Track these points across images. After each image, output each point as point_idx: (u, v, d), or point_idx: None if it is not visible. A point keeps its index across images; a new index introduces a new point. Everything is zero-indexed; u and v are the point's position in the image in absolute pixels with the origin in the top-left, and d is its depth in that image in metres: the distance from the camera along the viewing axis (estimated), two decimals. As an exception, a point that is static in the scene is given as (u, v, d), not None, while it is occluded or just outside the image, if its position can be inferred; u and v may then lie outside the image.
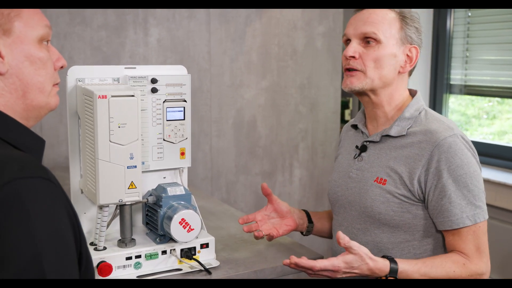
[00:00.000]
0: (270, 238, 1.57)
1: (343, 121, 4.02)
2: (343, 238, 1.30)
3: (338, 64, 3.27)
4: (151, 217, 1.47)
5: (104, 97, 1.28)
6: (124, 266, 1.38)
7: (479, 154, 1.47)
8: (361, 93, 1.50)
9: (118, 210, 1.45)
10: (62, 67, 1.12)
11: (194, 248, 1.45)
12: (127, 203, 1.38)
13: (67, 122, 1.46)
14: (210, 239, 1.48)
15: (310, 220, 1.67)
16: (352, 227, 1.52)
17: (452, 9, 3.43)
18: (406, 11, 1.48)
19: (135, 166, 1.33)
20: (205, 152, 2.96)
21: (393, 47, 1.46)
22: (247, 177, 3.08)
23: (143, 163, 1.48)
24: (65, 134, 1.50)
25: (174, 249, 1.43)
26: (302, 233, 1.68)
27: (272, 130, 3.12)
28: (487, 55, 3.33)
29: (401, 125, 1.47)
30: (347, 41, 1.51)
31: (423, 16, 3.36)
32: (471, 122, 3.62)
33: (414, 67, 1.52)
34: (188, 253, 1.44)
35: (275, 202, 1.61)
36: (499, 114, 3.52)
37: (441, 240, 1.45)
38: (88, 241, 1.44)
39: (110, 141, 1.30)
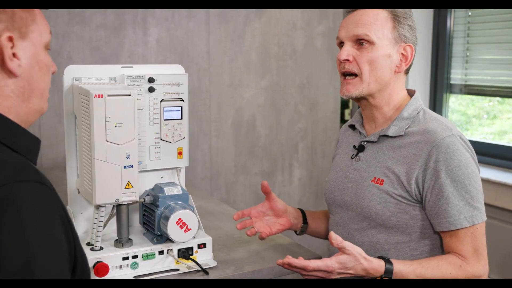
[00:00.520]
0: (262, 237, 1.56)
1: (343, 120, 4.01)
2: (335, 238, 1.30)
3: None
4: (148, 217, 1.47)
5: (100, 96, 1.27)
6: (120, 266, 1.37)
7: (480, 154, 1.46)
8: (359, 98, 1.49)
9: (115, 210, 1.45)
10: (53, 72, 1.12)
11: (192, 248, 1.45)
12: (123, 203, 1.38)
13: (64, 121, 1.46)
14: (208, 239, 1.48)
15: (305, 221, 1.66)
16: (348, 227, 1.51)
17: (452, 9, 3.42)
18: (399, 9, 1.47)
19: (132, 166, 1.33)
20: (204, 152, 2.95)
21: (386, 48, 1.44)
22: (247, 177, 3.07)
23: (140, 162, 1.48)
24: (64, 134, 1.50)
25: (171, 249, 1.42)
26: (296, 232, 1.67)
27: (272, 130, 3.12)
28: (488, 54, 3.32)
29: (399, 125, 1.46)
30: (341, 44, 1.50)
31: (423, 16, 3.35)
32: (471, 122, 3.61)
33: (410, 66, 1.50)
34: (185, 253, 1.43)
35: (272, 200, 1.61)
36: (499, 113, 3.51)
37: (438, 241, 1.43)
38: (85, 241, 1.44)
39: (107, 141, 1.29)
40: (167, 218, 1.37)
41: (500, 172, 3.14)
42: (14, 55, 0.98)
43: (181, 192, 1.45)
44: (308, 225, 1.66)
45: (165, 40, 2.77)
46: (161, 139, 1.50)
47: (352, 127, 1.61)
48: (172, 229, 1.37)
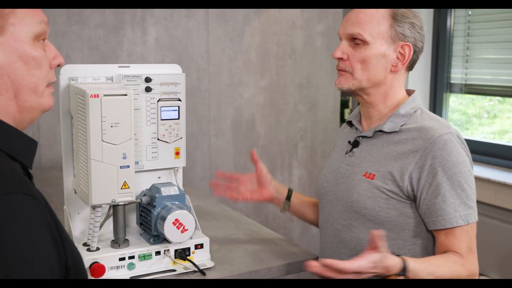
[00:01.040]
0: (236, 198, 1.66)
1: (343, 120, 4.00)
2: (378, 236, 1.23)
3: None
4: (145, 217, 1.46)
5: (96, 96, 1.27)
6: (117, 267, 1.37)
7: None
8: (353, 93, 1.49)
9: (111, 211, 1.44)
10: (59, 65, 1.07)
11: (189, 248, 1.44)
12: (120, 204, 1.37)
13: (60, 121, 1.45)
14: (205, 240, 1.47)
15: (288, 198, 1.69)
16: (337, 223, 1.51)
17: (452, 9, 3.41)
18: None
19: (128, 166, 1.32)
20: (203, 152, 2.95)
21: (381, 47, 1.43)
22: (246, 177, 3.06)
23: (137, 162, 1.47)
24: (62, 133, 1.52)
25: (168, 250, 1.42)
26: (280, 209, 1.71)
27: (271, 130, 3.11)
28: (488, 54, 3.32)
29: (395, 121, 1.45)
30: (341, 40, 1.50)
31: (423, 16, 3.34)
32: (471, 121, 3.60)
33: (414, 63, 1.49)
34: (182, 254, 1.43)
35: (259, 170, 1.68)
36: (499, 113, 3.50)
37: (427, 242, 1.42)
38: (81, 242, 1.43)
39: (103, 141, 1.29)
40: (163, 219, 1.36)
41: (500, 171, 3.14)
42: None
43: (178, 193, 1.44)
44: (291, 202, 1.70)
45: (164, 40, 2.77)
46: (158, 139, 1.49)
47: (350, 123, 1.61)
48: (168, 229, 1.36)
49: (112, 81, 1.46)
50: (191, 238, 1.42)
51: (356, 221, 1.45)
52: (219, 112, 2.96)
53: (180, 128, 1.51)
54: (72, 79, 1.42)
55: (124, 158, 1.31)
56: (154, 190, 1.44)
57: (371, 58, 1.43)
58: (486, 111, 3.55)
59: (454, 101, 3.60)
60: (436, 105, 3.54)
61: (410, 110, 1.46)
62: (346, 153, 1.54)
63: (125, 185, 1.32)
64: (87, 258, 1.33)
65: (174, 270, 1.42)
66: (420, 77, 3.48)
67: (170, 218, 1.36)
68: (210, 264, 1.45)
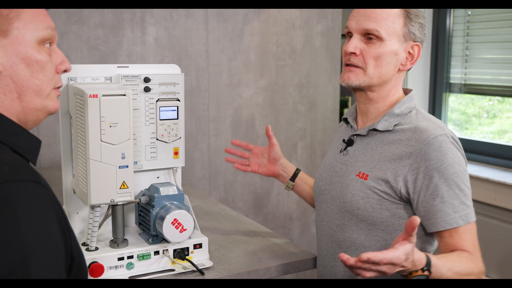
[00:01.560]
0: (244, 168, 1.78)
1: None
2: (414, 223, 1.15)
3: (337, 63, 3.26)
4: (144, 217, 1.46)
5: (95, 96, 1.27)
6: (116, 267, 1.37)
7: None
8: (357, 88, 1.48)
9: (110, 210, 1.44)
10: (65, 70, 1.09)
11: (187, 248, 1.44)
12: (119, 203, 1.37)
13: (59, 121, 1.45)
14: (204, 240, 1.47)
15: (293, 179, 1.77)
16: (331, 223, 1.51)
17: (452, 8, 3.41)
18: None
19: (127, 166, 1.32)
20: (202, 151, 2.95)
21: (395, 44, 1.42)
22: (245, 176, 3.07)
23: (136, 162, 1.47)
24: (61, 133, 1.53)
25: (167, 250, 1.42)
26: (284, 187, 1.80)
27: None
28: (487, 53, 3.32)
29: (389, 120, 1.44)
30: (349, 34, 1.47)
31: (423, 15, 3.34)
32: (471, 121, 3.60)
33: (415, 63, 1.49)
34: (181, 254, 1.43)
35: (271, 146, 1.77)
36: (499, 113, 3.50)
37: (423, 244, 1.41)
38: (80, 242, 1.43)
39: (102, 141, 1.29)
40: (162, 218, 1.37)
41: (499, 171, 3.14)
42: None
43: (176, 192, 1.44)
44: (295, 183, 1.77)
45: (164, 39, 2.77)
46: (157, 139, 1.50)
47: (345, 120, 1.60)
48: (167, 229, 1.36)
49: (111, 81, 1.46)
50: (190, 238, 1.43)
51: (349, 221, 1.45)
52: (219, 112, 2.96)
53: (179, 128, 1.51)
54: (71, 79, 1.42)
55: (123, 158, 1.31)
56: (153, 190, 1.44)
57: (385, 55, 1.42)
58: (486, 111, 3.55)
59: (454, 101, 3.60)
60: (435, 105, 3.54)
61: (405, 110, 1.45)
62: (341, 152, 1.54)
63: (124, 185, 1.33)
64: (86, 258, 1.33)
65: (173, 270, 1.42)
66: (419, 77, 3.49)
67: (169, 218, 1.36)
68: (209, 263, 1.46)
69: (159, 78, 1.48)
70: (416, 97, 1.51)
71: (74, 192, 1.48)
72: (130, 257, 1.39)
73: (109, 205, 1.44)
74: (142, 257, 1.40)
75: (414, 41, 1.45)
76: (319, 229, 1.57)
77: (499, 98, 3.41)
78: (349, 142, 1.52)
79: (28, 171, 0.92)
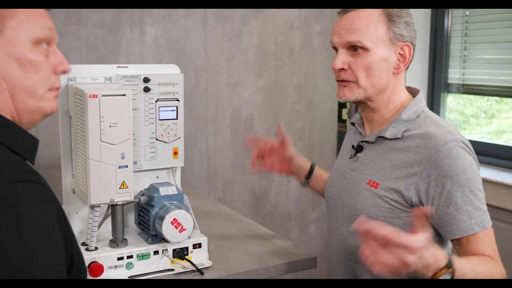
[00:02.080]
0: (258, 170, 1.77)
1: (341, 120, 4.00)
2: (424, 214, 1.10)
3: (336, 63, 3.25)
4: (143, 217, 1.46)
5: (95, 96, 1.27)
6: (115, 267, 1.37)
7: (477, 153, 1.41)
8: (358, 102, 1.45)
9: (109, 210, 1.45)
10: (64, 72, 1.08)
11: (187, 248, 1.45)
12: (118, 203, 1.38)
13: (59, 121, 1.45)
14: (203, 239, 1.47)
15: (309, 176, 1.76)
16: (342, 229, 1.49)
17: (450, 8, 3.42)
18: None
19: (127, 166, 1.32)
20: (201, 151, 2.95)
21: (382, 51, 1.38)
22: (244, 176, 3.07)
23: (135, 162, 1.48)
24: (60, 133, 1.53)
25: (166, 249, 1.42)
26: (300, 185, 1.79)
27: (269, 129, 3.11)
28: (485, 54, 3.32)
29: (397, 127, 1.41)
30: (335, 48, 1.45)
31: (421, 15, 3.35)
32: (469, 121, 3.61)
33: (410, 62, 1.44)
34: (181, 253, 1.43)
35: (283, 147, 1.73)
36: (497, 113, 3.51)
37: None
38: (80, 241, 1.43)
39: (101, 141, 1.29)
40: (162, 218, 1.37)
41: (497, 171, 3.14)
42: None
43: (176, 192, 1.45)
44: (310, 181, 1.76)
45: (162, 39, 2.77)
46: (156, 139, 1.50)
47: (354, 124, 1.57)
48: (167, 229, 1.37)
49: (111, 81, 1.46)
50: (189, 237, 1.43)
51: None
52: (217, 112, 2.96)
53: (178, 128, 1.52)
54: (70, 79, 1.42)
55: (123, 158, 1.31)
56: (152, 190, 1.45)
57: (374, 64, 1.38)
58: (484, 111, 3.55)
59: (452, 101, 3.61)
60: (433, 105, 3.54)
61: (413, 115, 1.41)
62: (351, 158, 1.51)
63: (123, 185, 1.33)
64: (86, 258, 1.33)
65: (172, 270, 1.42)
66: (417, 77, 3.49)
67: (168, 218, 1.36)
68: (208, 263, 1.46)
69: (159, 78, 1.48)
70: (423, 99, 1.47)
71: (74, 192, 1.48)
72: (130, 257, 1.39)
73: (108, 205, 1.44)
74: (142, 257, 1.40)
75: (403, 42, 1.41)
76: (331, 233, 1.55)
77: (497, 98, 3.42)
78: (358, 149, 1.49)
79: (28, 171, 0.92)
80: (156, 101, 1.48)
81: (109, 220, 1.46)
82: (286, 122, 3.16)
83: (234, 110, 3.01)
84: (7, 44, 0.97)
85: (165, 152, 1.51)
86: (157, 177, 1.56)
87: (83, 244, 1.42)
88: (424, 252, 1.08)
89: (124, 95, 1.30)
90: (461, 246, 1.33)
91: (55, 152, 2.60)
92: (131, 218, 1.56)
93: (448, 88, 3.54)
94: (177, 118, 1.51)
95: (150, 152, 1.50)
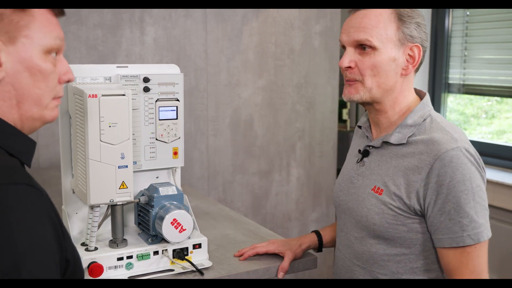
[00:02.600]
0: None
1: (341, 120, 4.00)
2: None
3: (336, 63, 3.25)
4: (143, 217, 1.46)
5: (95, 96, 1.27)
6: (115, 267, 1.37)
7: (478, 153, 1.39)
8: (362, 103, 1.43)
9: (109, 211, 1.44)
10: (68, 81, 1.08)
11: (187, 248, 1.44)
12: (118, 203, 1.37)
13: (58, 121, 1.45)
14: (203, 240, 1.47)
15: (320, 249, 1.65)
16: (350, 234, 1.47)
17: (451, 9, 3.41)
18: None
19: (126, 166, 1.32)
20: (201, 151, 2.95)
21: (391, 51, 1.36)
22: (244, 177, 3.07)
23: (135, 162, 1.47)
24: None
25: (166, 250, 1.42)
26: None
27: (269, 129, 3.11)
28: (486, 54, 3.32)
29: (402, 132, 1.38)
30: (343, 47, 1.42)
31: (421, 15, 3.34)
32: (469, 121, 3.61)
33: (420, 64, 1.42)
34: (180, 254, 1.43)
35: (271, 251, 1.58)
36: (498, 113, 3.50)
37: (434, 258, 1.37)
38: (80, 242, 1.43)
39: (101, 141, 1.29)
40: (162, 219, 1.36)
41: (498, 171, 3.14)
42: None
43: (176, 192, 1.44)
44: (324, 246, 1.65)
45: (162, 39, 2.77)
46: (156, 139, 1.50)
47: (361, 127, 1.55)
48: (167, 229, 1.36)
49: (110, 81, 1.46)
50: (189, 238, 1.43)
51: (367, 235, 1.41)
52: (217, 112, 2.96)
53: (178, 128, 1.51)
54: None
55: (122, 158, 1.31)
56: (152, 190, 1.44)
57: (381, 63, 1.36)
58: (484, 111, 3.55)
59: (452, 101, 3.60)
60: (434, 105, 3.54)
61: (419, 119, 1.38)
62: (357, 162, 1.49)
63: (123, 185, 1.32)
64: (85, 258, 1.33)
65: (172, 270, 1.42)
66: (418, 78, 3.49)
67: (168, 218, 1.36)
68: (208, 264, 1.45)
69: (159, 78, 1.47)
70: (430, 102, 1.44)
71: (73, 192, 1.48)
72: (130, 257, 1.38)
73: (108, 205, 1.44)
74: (142, 257, 1.39)
75: (413, 43, 1.38)
76: (339, 238, 1.54)
77: (498, 98, 3.42)
78: (365, 153, 1.47)
79: (21, 174, 0.92)
80: (156, 101, 1.48)
81: (108, 220, 1.46)
82: (286, 122, 3.16)
83: (234, 110, 3.00)
84: (21, 52, 0.98)
85: (165, 152, 1.51)
86: (157, 177, 1.55)
87: (83, 244, 1.41)
88: None
89: (123, 95, 1.30)
90: (449, 258, 1.31)
91: (54, 152, 2.60)
92: (131, 218, 1.56)
93: (448, 88, 3.54)
94: (177, 118, 1.51)
95: (150, 152, 1.50)
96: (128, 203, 1.42)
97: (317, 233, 1.65)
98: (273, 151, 3.15)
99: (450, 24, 3.43)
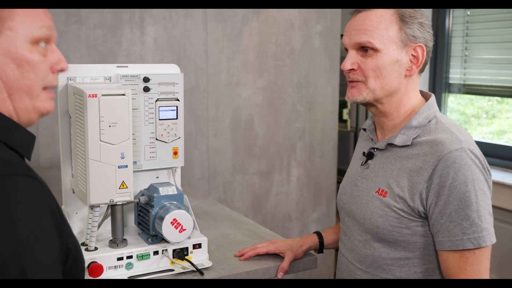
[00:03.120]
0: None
1: (341, 120, 4.00)
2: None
3: (336, 63, 3.25)
4: (143, 217, 1.46)
5: (95, 96, 1.27)
6: (115, 267, 1.37)
7: (484, 156, 1.37)
8: (366, 104, 1.42)
9: (109, 210, 1.44)
10: (62, 70, 1.08)
11: (187, 248, 1.44)
12: (118, 203, 1.37)
13: (58, 121, 1.45)
14: (203, 240, 1.47)
15: (321, 250, 1.65)
16: (353, 238, 1.46)
17: (451, 9, 3.41)
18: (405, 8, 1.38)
19: (126, 166, 1.32)
20: (201, 152, 2.95)
21: (393, 52, 1.35)
22: (244, 177, 3.07)
23: (135, 162, 1.47)
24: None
25: (166, 250, 1.42)
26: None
27: (269, 130, 3.11)
28: (486, 54, 3.32)
29: (407, 133, 1.37)
30: (346, 50, 1.41)
31: (422, 15, 3.34)
32: (470, 121, 3.61)
33: (426, 64, 1.40)
34: (180, 254, 1.43)
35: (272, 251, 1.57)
36: (498, 113, 3.50)
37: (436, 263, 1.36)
38: (80, 242, 1.43)
39: (101, 141, 1.28)
40: (162, 219, 1.36)
41: (498, 171, 3.14)
42: None
43: (176, 192, 1.44)
44: (325, 247, 1.65)
45: (163, 39, 2.76)
46: (156, 139, 1.49)
47: (365, 130, 1.54)
48: (167, 229, 1.36)
49: (110, 81, 1.46)
50: (189, 238, 1.42)
51: (371, 238, 1.40)
52: (218, 112, 2.96)
53: (178, 128, 1.51)
54: (70, 79, 1.42)
55: (122, 158, 1.31)
56: (152, 190, 1.44)
57: (384, 65, 1.35)
58: (485, 111, 3.55)
59: (453, 101, 3.60)
60: (434, 105, 3.54)
61: (424, 121, 1.37)
62: (362, 165, 1.48)
63: (123, 185, 1.32)
64: (85, 258, 1.31)
65: (172, 270, 1.42)
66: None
67: (168, 218, 1.36)
68: (208, 264, 1.45)
69: (159, 78, 1.47)
70: (435, 103, 1.43)
71: (73, 192, 1.48)
72: (130, 257, 1.38)
73: (108, 205, 1.44)
74: (142, 257, 1.39)
75: (416, 43, 1.37)
76: (342, 241, 1.53)
77: (498, 98, 3.41)
78: (369, 155, 1.46)
79: (21, 165, 0.93)
80: (156, 100, 1.48)
81: (108, 220, 1.46)
82: (286, 122, 3.16)
83: (234, 110, 3.00)
84: (5, 45, 0.98)
85: (165, 152, 1.51)
86: (157, 177, 1.55)
87: (83, 244, 1.41)
88: None
89: (123, 94, 1.29)
90: (448, 262, 1.29)
91: (54, 152, 2.60)
92: (130, 218, 1.56)
93: (449, 88, 3.54)
94: (177, 118, 1.50)
95: (150, 152, 1.50)
96: (128, 203, 1.42)
97: (319, 234, 1.65)
98: (274, 151, 3.14)
99: (451, 24, 3.43)
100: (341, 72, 3.31)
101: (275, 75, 3.08)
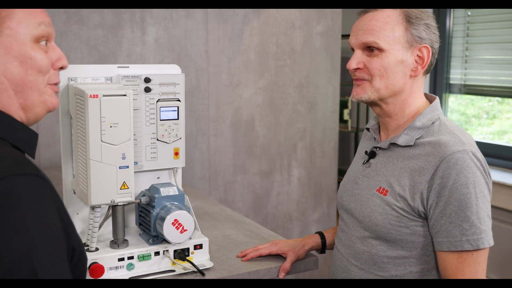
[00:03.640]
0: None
1: (342, 120, 4.00)
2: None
3: (337, 63, 3.25)
4: (144, 217, 1.46)
5: (96, 96, 1.27)
6: (116, 267, 1.37)
7: (485, 160, 1.37)
8: (371, 103, 1.42)
9: (110, 211, 1.44)
10: (62, 67, 1.09)
11: (188, 249, 1.44)
12: (119, 204, 1.37)
13: (59, 121, 1.45)
14: (204, 240, 1.47)
15: (323, 250, 1.66)
16: (351, 234, 1.46)
17: (452, 9, 3.41)
18: (412, 9, 1.38)
19: (127, 166, 1.32)
20: (202, 152, 2.95)
21: (399, 52, 1.36)
22: (245, 177, 3.07)
23: (136, 163, 1.47)
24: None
25: (167, 250, 1.42)
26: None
27: (270, 130, 3.11)
28: (487, 54, 3.32)
29: (410, 134, 1.38)
30: (352, 50, 1.43)
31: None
32: (471, 121, 3.61)
33: (431, 66, 1.41)
34: (182, 254, 1.43)
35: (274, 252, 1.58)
36: (499, 113, 3.50)
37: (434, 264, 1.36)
38: (81, 242, 1.43)
39: (102, 141, 1.28)
40: (163, 219, 1.36)
41: (499, 172, 3.14)
42: None
43: (177, 193, 1.44)
44: (327, 247, 1.65)
45: (163, 40, 2.76)
46: (157, 140, 1.49)
47: (369, 130, 1.55)
48: (168, 230, 1.36)
49: (112, 82, 1.46)
50: (190, 238, 1.42)
51: (369, 235, 1.40)
52: (218, 112, 2.96)
53: (179, 128, 1.51)
54: (71, 79, 1.42)
55: (123, 158, 1.31)
56: (153, 190, 1.44)
57: (390, 65, 1.36)
58: (485, 112, 3.55)
59: (453, 102, 3.60)
60: (435, 105, 3.54)
61: (427, 122, 1.38)
62: (364, 164, 1.48)
63: (124, 186, 1.32)
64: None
65: (173, 271, 1.42)
66: (419, 78, 3.48)
67: (169, 219, 1.36)
68: (209, 264, 1.45)
69: (160, 78, 1.47)
70: (439, 106, 1.43)
71: (74, 193, 1.48)
72: (131, 257, 1.38)
73: (109, 206, 1.44)
74: (143, 257, 1.39)
75: (421, 44, 1.37)
76: (338, 238, 1.54)
77: (499, 98, 3.41)
78: (372, 154, 1.46)
79: (27, 165, 0.94)
80: (157, 101, 1.48)
81: (109, 221, 1.46)
82: (287, 123, 3.16)
83: (235, 110, 3.00)
84: (7, 43, 1.00)
85: (166, 153, 1.51)
86: (158, 178, 1.55)
87: (84, 244, 1.41)
88: None
89: (125, 95, 1.29)
90: (446, 262, 1.30)
91: (55, 153, 2.60)
92: (131, 219, 1.56)
93: (449, 88, 3.54)
94: (178, 118, 1.50)
95: (151, 153, 1.49)
96: (129, 203, 1.42)
97: (321, 234, 1.65)
98: (274, 151, 3.14)
99: (451, 24, 3.43)
100: (342, 72, 3.32)
101: (275, 75, 3.08)
